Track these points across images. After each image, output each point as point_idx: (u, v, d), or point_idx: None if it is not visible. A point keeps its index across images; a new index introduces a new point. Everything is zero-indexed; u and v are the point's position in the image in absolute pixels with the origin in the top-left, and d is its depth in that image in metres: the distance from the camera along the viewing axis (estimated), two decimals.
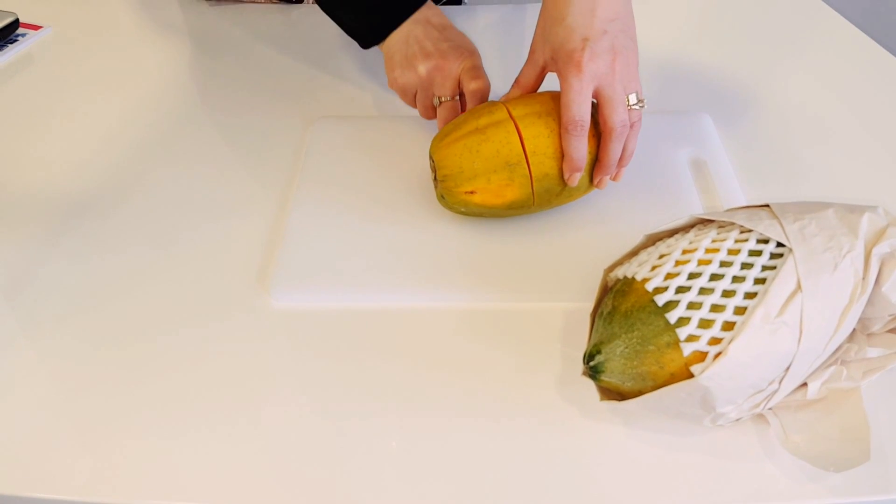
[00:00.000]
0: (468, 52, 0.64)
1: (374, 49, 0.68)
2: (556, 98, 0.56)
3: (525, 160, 0.55)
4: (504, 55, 0.83)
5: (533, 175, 0.56)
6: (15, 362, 0.52)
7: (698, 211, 0.62)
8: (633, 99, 0.56)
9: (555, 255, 0.59)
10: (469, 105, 0.64)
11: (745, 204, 0.63)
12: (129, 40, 0.87)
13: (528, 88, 0.60)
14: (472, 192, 0.57)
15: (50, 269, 0.58)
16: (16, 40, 0.85)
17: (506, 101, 0.58)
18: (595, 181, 0.59)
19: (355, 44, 0.69)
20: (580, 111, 0.54)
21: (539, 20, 0.58)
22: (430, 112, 0.67)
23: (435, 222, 0.61)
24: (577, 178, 0.56)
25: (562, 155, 0.56)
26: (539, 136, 0.55)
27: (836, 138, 0.71)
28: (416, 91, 0.66)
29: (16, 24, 0.86)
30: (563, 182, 0.57)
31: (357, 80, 0.80)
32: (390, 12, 0.66)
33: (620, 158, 0.58)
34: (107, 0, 0.93)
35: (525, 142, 0.55)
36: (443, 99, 0.64)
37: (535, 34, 0.58)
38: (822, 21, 0.90)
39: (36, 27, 0.88)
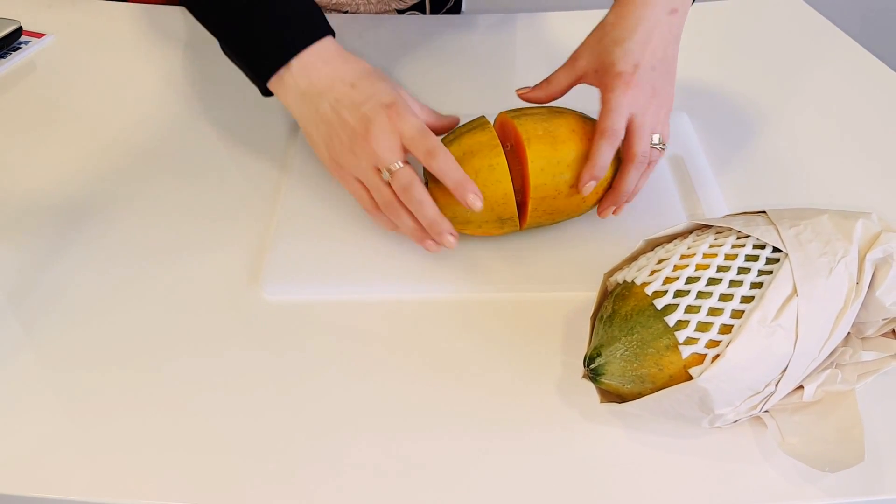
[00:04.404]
0: (389, 105, 0.53)
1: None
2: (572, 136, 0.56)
3: (517, 218, 0.56)
4: (505, 63, 0.84)
5: (526, 225, 0.58)
6: (19, 366, 0.52)
7: (677, 206, 0.64)
8: (655, 139, 0.57)
9: (547, 247, 0.60)
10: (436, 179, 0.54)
11: (722, 199, 0.64)
12: (131, 49, 0.87)
13: (556, 91, 0.60)
14: (463, 227, 0.57)
15: (51, 274, 0.59)
16: (18, 48, 0.86)
17: (525, 113, 0.57)
18: (602, 209, 0.59)
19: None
20: (619, 122, 0.54)
21: (594, 34, 0.59)
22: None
23: None
24: (591, 187, 0.55)
25: (583, 162, 0.55)
26: (545, 198, 0.56)
27: (810, 134, 0.73)
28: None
29: (19, 31, 0.86)
30: (554, 220, 0.58)
31: None
32: (263, 59, 0.56)
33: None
34: (109, 8, 0.94)
35: (528, 203, 0.56)
36: (393, 169, 0.53)
37: (583, 44, 0.59)
38: (801, 21, 0.91)
39: (38, 35, 0.88)
